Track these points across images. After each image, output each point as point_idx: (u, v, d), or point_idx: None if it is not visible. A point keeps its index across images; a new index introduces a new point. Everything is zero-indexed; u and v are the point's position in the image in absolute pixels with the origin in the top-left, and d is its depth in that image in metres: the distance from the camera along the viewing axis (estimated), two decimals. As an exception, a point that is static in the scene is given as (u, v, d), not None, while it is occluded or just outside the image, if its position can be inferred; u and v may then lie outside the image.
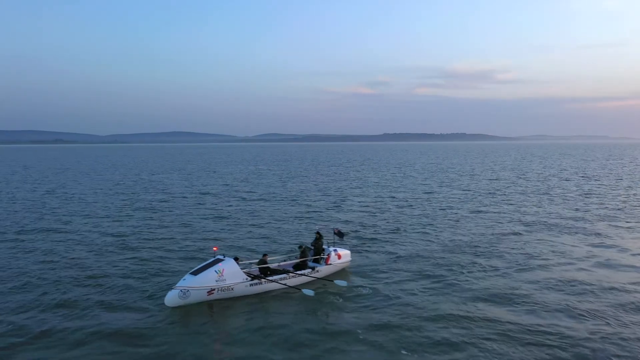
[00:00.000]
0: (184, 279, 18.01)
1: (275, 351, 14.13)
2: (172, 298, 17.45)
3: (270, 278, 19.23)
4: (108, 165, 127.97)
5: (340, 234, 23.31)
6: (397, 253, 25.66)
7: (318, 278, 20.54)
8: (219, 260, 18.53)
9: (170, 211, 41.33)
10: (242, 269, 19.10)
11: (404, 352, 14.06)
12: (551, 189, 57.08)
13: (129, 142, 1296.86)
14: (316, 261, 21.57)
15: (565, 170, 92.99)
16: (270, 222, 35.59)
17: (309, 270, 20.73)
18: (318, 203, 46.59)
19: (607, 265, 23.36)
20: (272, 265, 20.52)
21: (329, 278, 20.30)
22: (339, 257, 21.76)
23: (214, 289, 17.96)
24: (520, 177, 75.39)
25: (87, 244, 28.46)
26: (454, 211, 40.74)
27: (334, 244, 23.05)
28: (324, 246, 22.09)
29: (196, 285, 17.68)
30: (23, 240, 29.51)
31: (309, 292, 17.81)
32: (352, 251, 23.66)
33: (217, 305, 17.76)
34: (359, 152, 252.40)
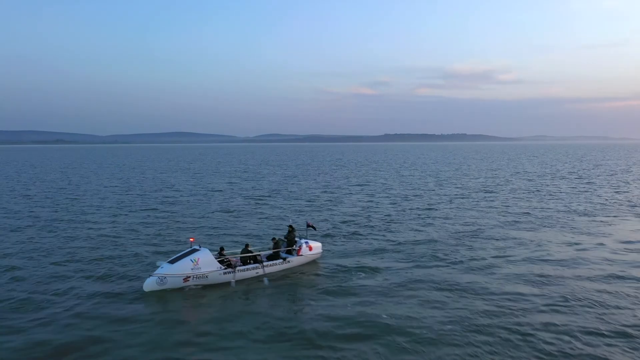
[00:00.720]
0: (162, 267, 20.16)
1: (243, 335, 16.29)
2: (150, 284, 19.61)
3: (241, 268, 21.40)
4: (113, 165, 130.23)
5: (312, 227, 25.47)
6: (370, 246, 27.90)
7: (288, 269, 22.73)
8: (194, 250, 20.68)
9: (171, 206, 43.55)
10: (225, 257, 21.37)
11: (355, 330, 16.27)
12: (541, 187, 59.37)
13: (129, 142, 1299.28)
14: (289, 252, 23.62)
15: (556, 169, 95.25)
16: (255, 217, 37.82)
17: (281, 260, 22.85)
18: (304, 200, 48.83)
19: (577, 255, 25.57)
20: (250, 255, 22.53)
21: (289, 269, 22.59)
22: (310, 248, 23.76)
23: (189, 277, 20.12)
24: (513, 175, 77.70)
25: (83, 237, 30.67)
26: (440, 207, 42.99)
27: (307, 236, 25.13)
28: (296, 238, 24.07)
29: (173, 272, 19.86)
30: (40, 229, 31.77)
31: (266, 281, 20.46)
32: (323, 243, 25.85)
33: (192, 291, 20.01)
34: (359, 153, 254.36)
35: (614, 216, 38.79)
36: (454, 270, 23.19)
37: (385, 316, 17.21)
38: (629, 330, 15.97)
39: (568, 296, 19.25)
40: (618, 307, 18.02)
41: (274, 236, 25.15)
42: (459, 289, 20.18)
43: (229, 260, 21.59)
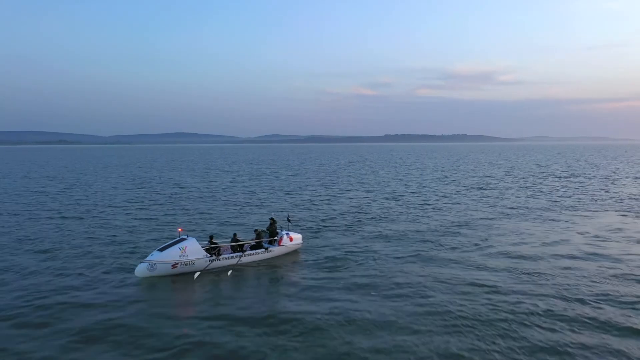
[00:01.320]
0: (152, 254, 21.55)
1: (226, 317, 17.57)
2: (141, 270, 21.00)
3: (225, 256, 22.76)
4: (120, 165, 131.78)
5: (290, 220, 26.77)
6: (354, 238, 29.22)
7: (269, 258, 24.01)
8: (182, 240, 22.05)
9: (175, 202, 44.93)
10: (215, 244, 22.78)
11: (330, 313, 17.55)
12: (532, 185, 60.72)
13: (131, 142, 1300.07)
14: (271, 243, 24.96)
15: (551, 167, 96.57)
16: (247, 209, 39.14)
17: (263, 250, 24.19)
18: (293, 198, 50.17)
19: (555, 244, 26.87)
20: (238, 244, 23.99)
21: (271, 258, 23.85)
22: (291, 239, 25.20)
23: (177, 263, 21.48)
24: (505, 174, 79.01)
25: (107, 226, 32.04)
26: (426, 204, 44.30)
27: (288, 228, 26.48)
28: (277, 230, 25.46)
29: (162, 259, 21.24)
30: (63, 220, 33.14)
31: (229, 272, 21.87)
32: (305, 234, 27.19)
33: (180, 277, 21.35)
34: (360, 153, 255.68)
35: (594, 210, 40.06)
36: (435, 259, 24.47)
37: (360, 301, 18.51)
38: (587, 300, 17.27)
39: (536, 277, 20.55)
40: (578, 282, 19.31)
41: (257, 228, 26.72)
42: (438, 279, 21.47)
43: (219, 247, 23.02)
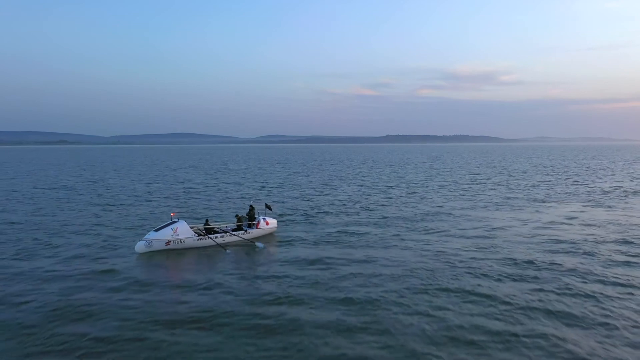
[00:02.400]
0: (149, 234, 24.99)
1: (212, 288, 20.73)
2: (140, 246, 24.40)
3: (210, 236, 26.27)
4: (127, 164, 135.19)
5: (269, 208, 30.29)
6: (321, 228, 32.42)
7: (247, 239, 27.20)
8: (174, 222, 25.49)
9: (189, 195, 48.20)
10: (209, 226, 26.60)
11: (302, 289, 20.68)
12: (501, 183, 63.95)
13: (131, 143, 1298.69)
14: (250, 226, 28.37)
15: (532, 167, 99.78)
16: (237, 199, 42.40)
17: (242, 232, 27.62)
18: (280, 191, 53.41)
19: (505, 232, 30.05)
20: (221, 226, 27.66)
21: (254, 240, 26.90)
22: (267, 224, 28.81)
23: (170, 241, 24.87)
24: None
25: (115, 216, 35.31)
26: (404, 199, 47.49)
27: (265, 214, 30.11)
28: (255, 215, 28.99)
29: (157, 237, 24.63)
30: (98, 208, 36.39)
31: (259, 245, 25.58)
32: (278, 220, 30.70)
33: (172, 253, 24.58)
34: (361, 154, 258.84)
35: (562, 201, 43.25)
36: (404, 240, 27.66)
37: (324, 276, 21.71)
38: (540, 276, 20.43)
39: (486, 248, 23.70)
40: (525, 251, 22.47)
41: (237, 213, 30.91)
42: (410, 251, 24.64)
43: (212, 228, 26.93)
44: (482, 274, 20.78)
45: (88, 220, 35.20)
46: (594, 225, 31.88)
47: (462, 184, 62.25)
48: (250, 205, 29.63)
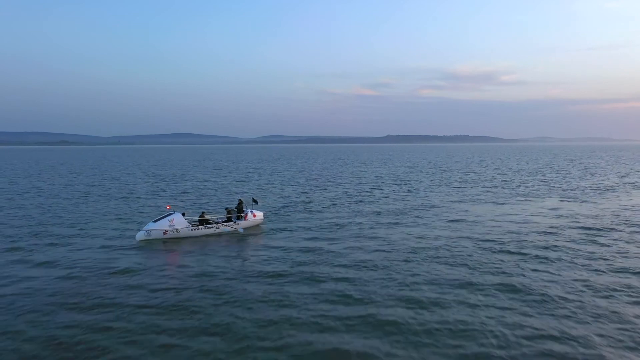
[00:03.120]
0: (148, 225, 27.45)
1: (206, 270, 22.93)
2: (140, 235, 26.85)
3: (202, 227, 28.83)
4: (138, 164, 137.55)
5: (255, 202, 33.22)
6: (308, 217, 34.68)
7: (236, 229, 29.59)
8: (170, 214, 28.04)
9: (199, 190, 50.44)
10: (204, 218, 29.19)
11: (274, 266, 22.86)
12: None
13: (132, 143, 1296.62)
14: (239, 218, 30.83)
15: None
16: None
17: (232, 223, 30.07)
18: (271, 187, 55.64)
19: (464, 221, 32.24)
20: (212, 218, 30.19)
21: (238, 228, 29.56)
22: (254, 216, 31.41)
23: (167, 231, 27.30)
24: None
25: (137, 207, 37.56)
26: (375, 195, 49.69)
27: (251, 207, 32.74)
28: (244, 208, 31.52)
29: (156, 227, 27.03)
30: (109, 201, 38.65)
31: (240, 229, 28.47)
32: (264, 213, 33.27)
33: (170, 241, 26.82)
34: (361, 155, 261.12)
35: (541, 197, 45.47)
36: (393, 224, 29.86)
37: (304, 259, 23.90)
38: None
39: (461, 227, 25.91)
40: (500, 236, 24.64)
41: (227, 207, 33.67)
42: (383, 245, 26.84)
43: (207, 220, 29.37)
44: (456, 257, 23.04)
45: (106, 210, 37.61)
46: (564, 216, 34.15)
47: (455, 181, 64.54)
48: (239, 200, 32.21)
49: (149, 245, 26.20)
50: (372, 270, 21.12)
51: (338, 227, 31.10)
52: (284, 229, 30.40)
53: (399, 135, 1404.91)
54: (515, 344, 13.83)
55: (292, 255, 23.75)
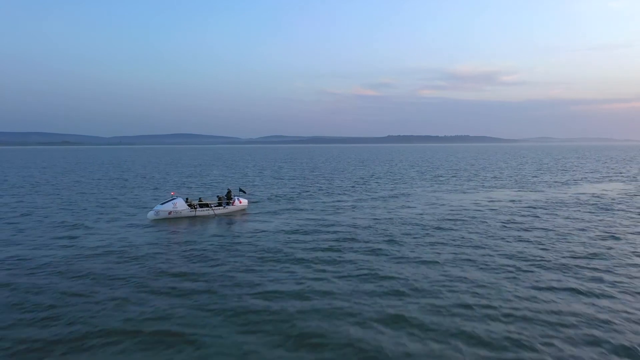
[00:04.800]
0: (157, 207, 34.01)
1: (203, 242, 28.64)
2: (150, 215, 33.30)
3: (199, 209, 35.28)
4: (143, 163, 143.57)
5: (243, 191, 40.05)
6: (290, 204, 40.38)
7: (225, 213, 36.19)
8: (174, 199, 34.67)
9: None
10: (201, 202, 35.98)
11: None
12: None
13: (132, 143, 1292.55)
14: (228, 204, 37.36)
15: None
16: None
17: (222, 207, 36.62)
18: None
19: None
20: (208, 203, 36.61)
21: (227, 213, 36.15)
22: (240, 202, 38.21)
23: (171, 212, 33.75)
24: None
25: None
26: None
27: (239, 195, 39.51)
28: (232, 196, 38.23)
29: (162, 209, 33.38)
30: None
31: (214, 213, 35.16)
32: (249, 201, 39.97)
33: (173, 219, 32.71)
34: (361, 154, 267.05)
35: (512, 189, 51.20)
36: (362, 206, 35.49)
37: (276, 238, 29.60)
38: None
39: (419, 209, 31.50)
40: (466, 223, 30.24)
41: (218, 194, 40.59)
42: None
43: (206, 204, 36.08)
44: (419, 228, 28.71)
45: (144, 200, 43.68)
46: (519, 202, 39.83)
47: (436, 176, 70.30)
48: (228, 189, 39.49)
49: (158, 222, 32.58)
50: (350, 239, 26.78)
51: (313, 208, 36.80)
52: (266, 212, 36.71)
53: (399, 136, 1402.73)
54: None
55: (269, 228, 29.49)
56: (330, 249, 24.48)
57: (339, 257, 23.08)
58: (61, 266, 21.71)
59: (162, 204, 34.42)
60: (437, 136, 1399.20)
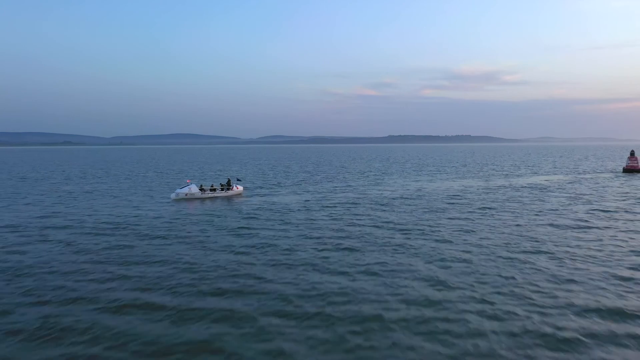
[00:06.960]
0: (176, 190, 43.53)
1: (212, 221, 35.40)
2: (172, 196, 42.93)
3: (208, 193, 44.22)
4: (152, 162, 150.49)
5: (239, 180, 49.42)
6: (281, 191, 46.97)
7: (226, 195, 45.13)
8: (188, 184, 43.92)
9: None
10: (212, 187, 45.01)
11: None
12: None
13: (133, 143, 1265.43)
14: (228, 189, 46.35)
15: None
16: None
17: (224, 192, 45.71)
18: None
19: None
20: (215, 187, 45.59)
21: (227, 196, 45.01)
22: (237, 188, 48.98)
23: (187, 194, 42.97)
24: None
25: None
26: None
27: (237, 183, 48.80)
28: (231, 183, 47.42)
29: (181, 192, 42.81)
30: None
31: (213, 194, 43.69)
32: (245, 188, 48.43)
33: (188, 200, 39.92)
34: (363, 154, 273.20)
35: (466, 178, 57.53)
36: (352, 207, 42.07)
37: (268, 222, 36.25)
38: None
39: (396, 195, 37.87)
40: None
41: (221, 182, 50.16)
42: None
43: (212, 189, 44.85)
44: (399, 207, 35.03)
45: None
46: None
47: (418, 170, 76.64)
48: (228, 178, 51.69)
49: (178, 201, 41.85)
50: (334, 219, 33.36)
51: (297, 192, 43.42)
52: (258, 196, 45.14)
53: (401, 136, 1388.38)
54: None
55: (254, 207, 36.17)
56: (300, 211, 31.12)
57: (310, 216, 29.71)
58: (135, 221, 32.77)
59: (180, 187, 44.64)
60: (439, 136, 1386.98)
